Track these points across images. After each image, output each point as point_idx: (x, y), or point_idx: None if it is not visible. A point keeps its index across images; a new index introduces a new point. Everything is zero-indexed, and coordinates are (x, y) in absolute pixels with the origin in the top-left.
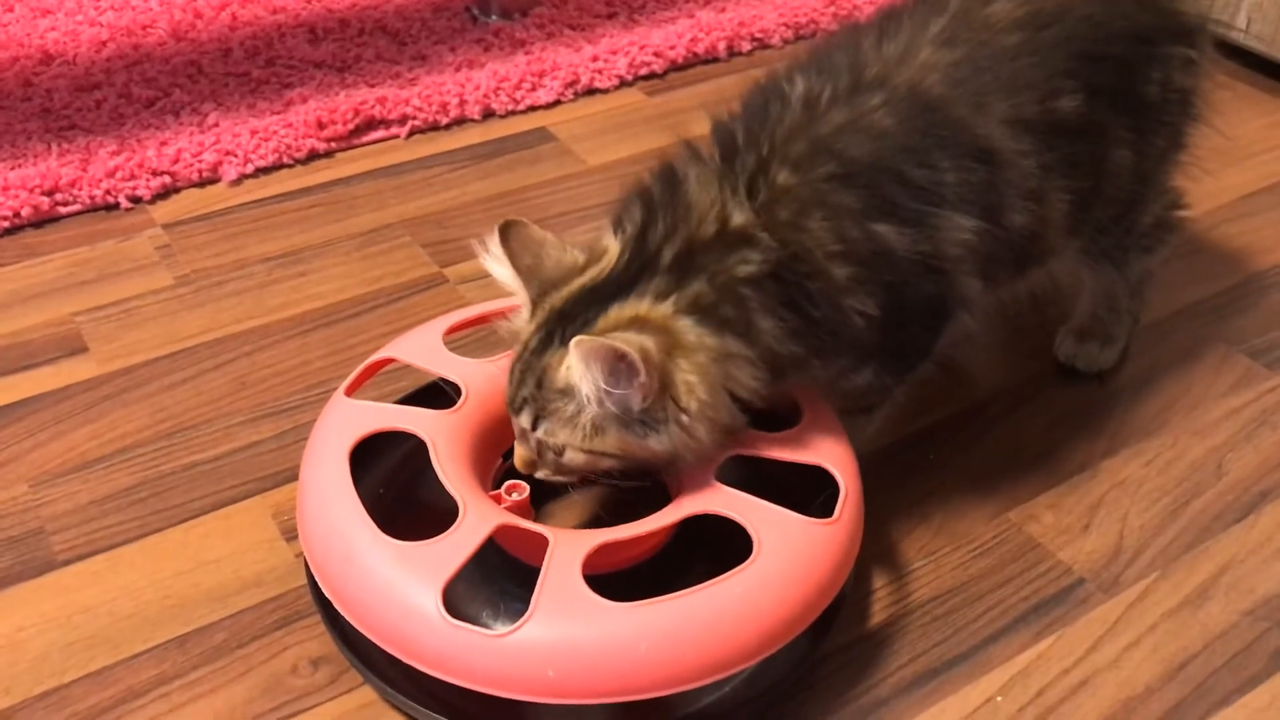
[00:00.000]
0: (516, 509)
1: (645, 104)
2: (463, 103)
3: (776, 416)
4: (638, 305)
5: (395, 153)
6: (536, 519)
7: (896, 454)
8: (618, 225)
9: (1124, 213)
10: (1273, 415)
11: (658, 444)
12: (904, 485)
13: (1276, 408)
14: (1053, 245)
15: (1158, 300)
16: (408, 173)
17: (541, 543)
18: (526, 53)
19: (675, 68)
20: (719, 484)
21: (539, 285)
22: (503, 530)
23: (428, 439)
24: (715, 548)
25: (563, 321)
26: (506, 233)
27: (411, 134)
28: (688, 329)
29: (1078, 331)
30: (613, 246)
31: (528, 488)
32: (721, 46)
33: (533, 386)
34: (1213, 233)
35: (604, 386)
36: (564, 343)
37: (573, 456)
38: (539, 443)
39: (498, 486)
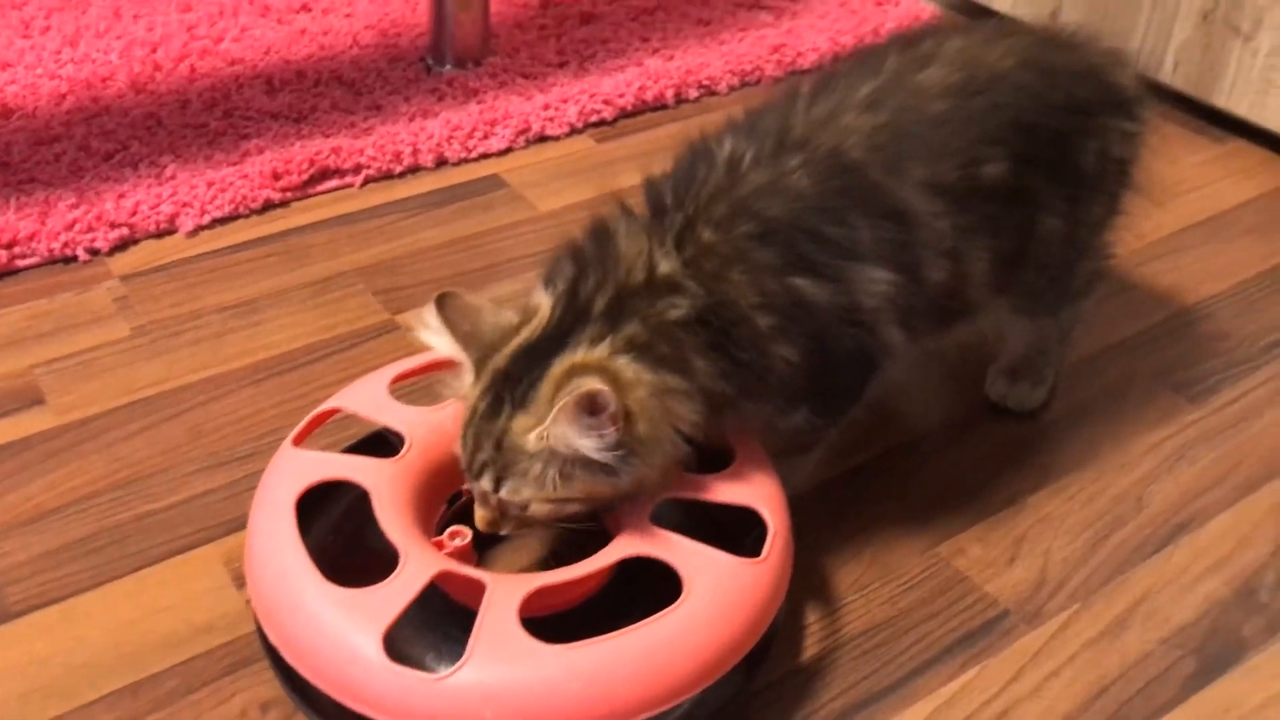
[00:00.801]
0: (458, 555)
1: (595, 150)
2: (416, 151)
3: (711, 459)
4: (573, 355)
5: (350, 201)
6: (479, 563)
7: (831, 491)
8: (548, 281)
9: (1058, 277)
10: (1192, 449)
11: (621, 481)
12: (838, 522)
13: (1196, 441)
14: (977, 301)
15: (1089, 337)
16: (362, 221)
17: (480, 588)
18: (480, 101)
19: (625, 115)
20: (653, 526)
21: (479, 349)
22: (443, 576)
23: (370, 488)
24: (654, 588)
25: (508, 383)
26: (443, 304)
27: (366, 183)
28: (625, 367)
29: (1009, 372)
30: (544, 303)
31: (470, 533)
32: (669, 94)
33: (491, 450)
34: (1143, 269)
35: (594, 433)
36: (516, 405)
37: (537, 509)
38: (502, 502)
39: (441, 532)
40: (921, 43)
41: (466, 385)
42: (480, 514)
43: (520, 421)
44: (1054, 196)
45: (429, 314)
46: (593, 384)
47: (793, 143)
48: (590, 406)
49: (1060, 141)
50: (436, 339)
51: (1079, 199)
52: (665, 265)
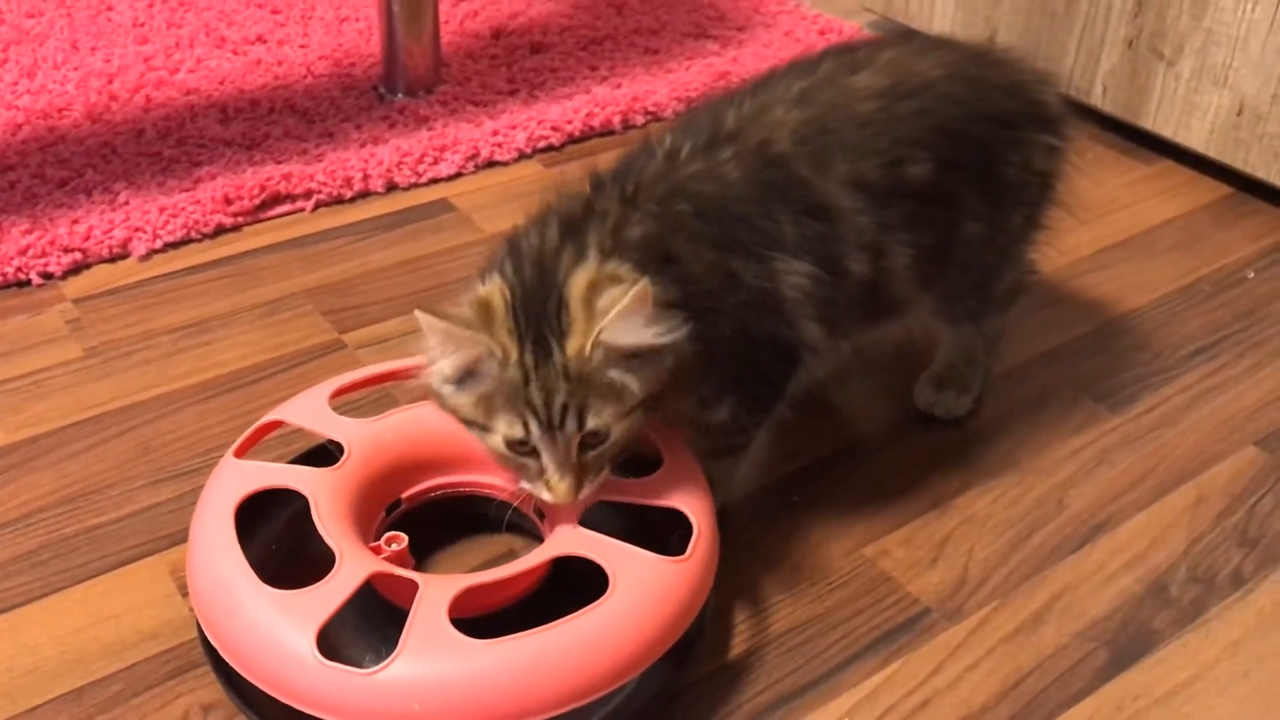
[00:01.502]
0: (395, 558)
1: (543, 175)
2: (366, 176)
3: (641, 465)
4: (574, 276)
5: (301, 225)
6: (418, 568)
7: (763, 497)
8: (484, 274)
9: (981, 281)
10: (1112, 454)
11: (665, 368)
12: (768, 526)
13: (1116, 446)
14: (901, 296)
15: (1015, 348)
16: (312, 244)
17: (413, 588)
18: (430, 128)
19: (572, 140)
20: (582, 529)
21: (488, 331)
22: (378, 577)
23: (309, 495)
24: (586, 589)
25: (535, 327)
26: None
27: (317, 207)
28: (620, 268)
29: (936, 380)
30: (493, 280)
31: (405, 538)
32: (616, 120)
33: (565, 387)
34: (1070, 284)
35: (648, 325)
36: (559, 336)
37: (617, 434)
38: (585, 449)
39: (379, 538)
40: (856, 51)
41: (494, 373)
42: (562, 484)
43: (573, 345)
44: (976, 201)
45: (429, 325)
46: (638, 282)
47: (725, 135)
48: (645, 300)
49: (984, 150)
50: (451, 340)
51: (1000, 206)
52: (613, 216)
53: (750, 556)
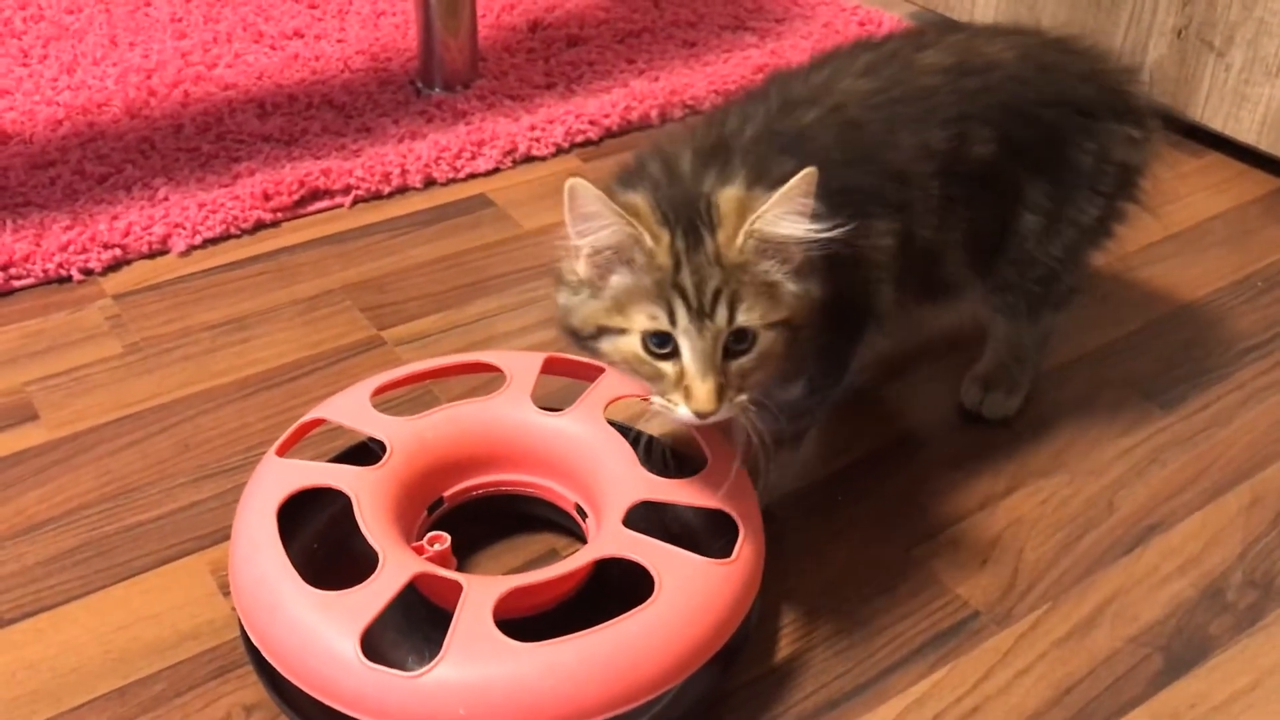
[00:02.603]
0: (437, 559)
1: (581, 170)
2: (404, 172)
3: (684, 465)
4: (722, 195)
5: (339, 221)
6: (460, 568)
7: (808, 497)
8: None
9: (1043, 278)
10: (1163, 453)
11: (813, 287)
12: (814, 526)
13: (1167, 446)
14: (955, 276)
15: (1063, 345)
16: (351, 240)
17: (457, 589)
18: (467, 123)
19: (610, 135)
20: (626, 530)
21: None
22: (421, 578)
23: (352, 494)
24: (629, 591)
25: (681, 218)
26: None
27: (355, 203)
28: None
29: (984, 379)
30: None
31: (448, 538)
32: (654, 113)
33: (718, 274)
34: (1117, 280)
35: (804, 217)
36: (711, 228)
37: (763, 344)
38: (736, 339)
39: (422, 538)
40: (924, 34)
41: (641, 260)
42: (704, 388)
43: (726, 233)
44: (1037, 193)
45: (580, 195)
46: (807, 170)
47: (796, 100)
48: (810, 185)
49: (1053, 136)
50: (597, 221)
51: (1069, 198)
52: (739, 145)
53: (796, 557)
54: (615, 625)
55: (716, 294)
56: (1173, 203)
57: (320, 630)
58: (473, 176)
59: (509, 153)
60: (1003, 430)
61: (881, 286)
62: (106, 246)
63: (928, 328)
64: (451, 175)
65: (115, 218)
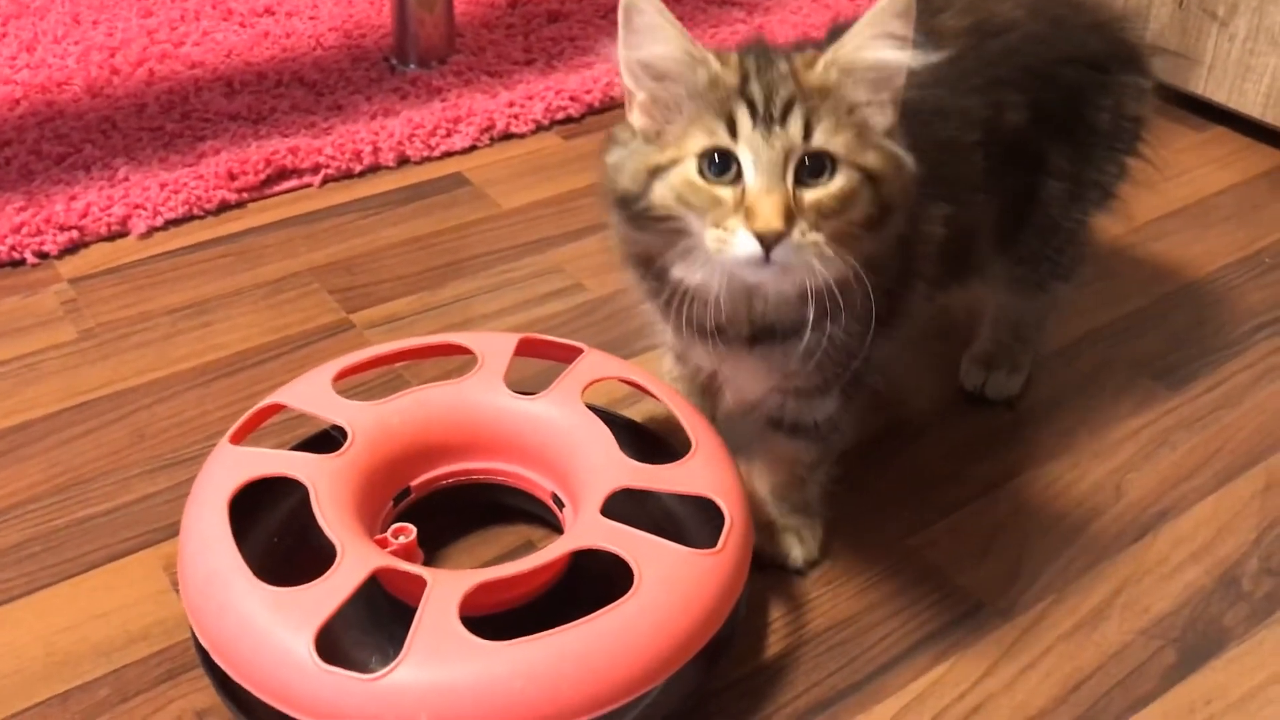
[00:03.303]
0: (402, 552)
1: (561, 147)
2: (377, 150)
3: (667, 451)
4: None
5: (308, 201)
6: (429, 562)
7: None
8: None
9: (1064, 244)
10: (1172, 435)
11: (906, 158)
12: None
13: (1176, 428)
14: (983, 255)
15: (1066, 324)
16: (319, 220)
17: (421, 584)
18: (443, 100)
19: (592, 111)
20: (603, 519)
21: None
22: (383, 573)
23: (309, 484)
24: (608, 585)
25: (753, 53)
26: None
27: (325, 182)
28: None
29: (984, 359)
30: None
31: (414, 530)
32: None
33: (792, 86)
34: (1121, 257)
35: (904, 41)
36: (787, 58)
37: (844, 183)
38: (810, 163)
39: (386, 530)
40: None
41: (701, 80)
42: (768, 202)
43: (803, 58)
44: (1060, 158)
45: (641, 7)
46: None
47: None
48: (903, 8)
49: (1074, 96)
50: (655, 35)
51: (1089, 159)
52: None
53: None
54: (591, 621)
55: (789, 104)
56: (1177, 177)
57: (271, 629)
58: (448, 155)
59: (486, 130)
60: (1005, 412)
61: (918, 283)
62: (63, 229)
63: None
64: (426, 153)
65: (73, 199)
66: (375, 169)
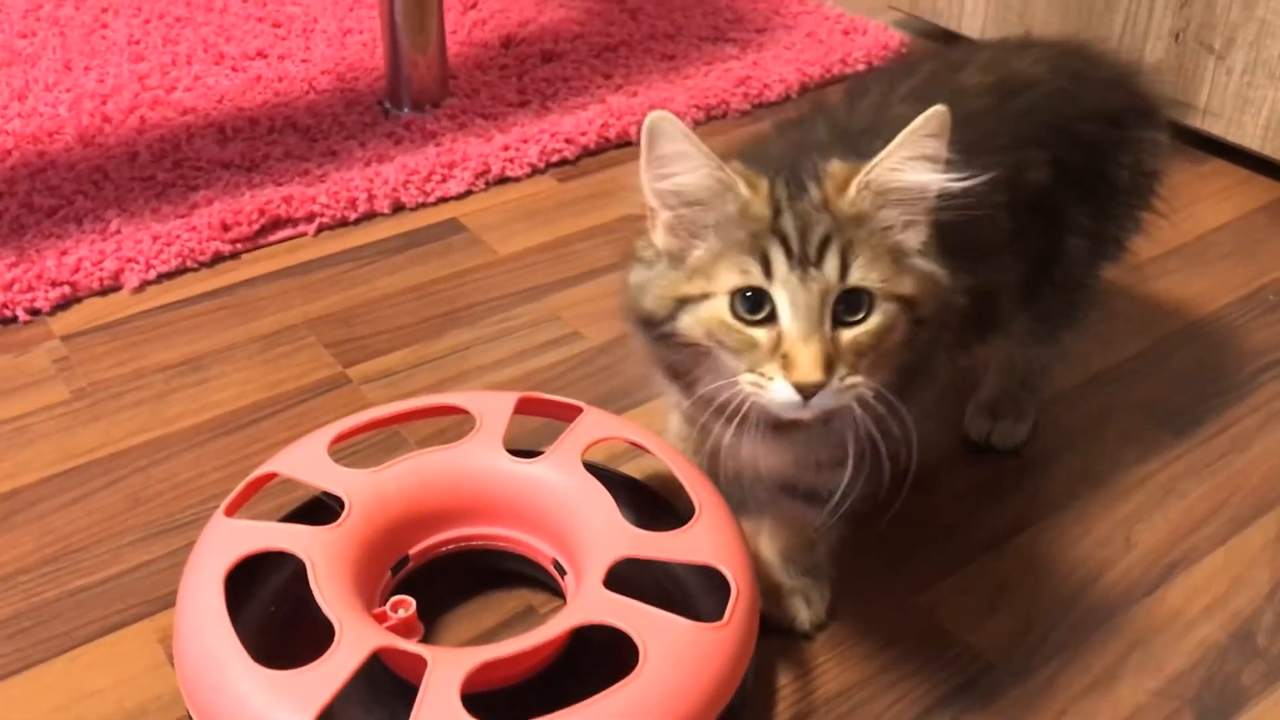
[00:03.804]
0: (401, 627)
1: (558, 190)
2: (371, 197)
3: (669, 515)
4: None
5: (302, 251)
6: (426, 635)
7: None
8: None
9: (1076, 301)
10: (1180, 483)
11: (938, 273)
12: None
13: (1184, 475)
14: (1006, 314)
15: (1067, 369)
16: (314, 271)
17: (421, 664)
18: (437, 144)
19: (587, 153)
20: (606, 591)
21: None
22: (383, 652)
23: (305, 558)
24: (612, 654)
25: (785, 174)
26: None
27: (319, 231)
28: None
29: (990, 408)
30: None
31: (413, 603)
32: (634, 130)
33: (827, 221)
34: (1121, 297)
35: (938, 161)
36: (816, 180)
37: (882, 318)
38: (848, 300)
39: (385, 603)
40: (951, 53)
41: (732, 210)
42: (809, 353)
43: (835, 182)
44: (1080, 214)
45: (666, 132)
46: (937, 108)
47: (856, 133)
48: (943, 126)
49: (1095, 153)
50: (684, 152)
51: (1110, 216)
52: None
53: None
54: (597, 703)
55: (825, 241)
56: (1176, 212)
57: (270, 714)
58: (443, 200)
59: (481, 174)
60: (1010, 461)
61: (940, 353)
62: (54, 284)
63: None
64: (421, 199)
65: (64, 253)
66: (370, 216)
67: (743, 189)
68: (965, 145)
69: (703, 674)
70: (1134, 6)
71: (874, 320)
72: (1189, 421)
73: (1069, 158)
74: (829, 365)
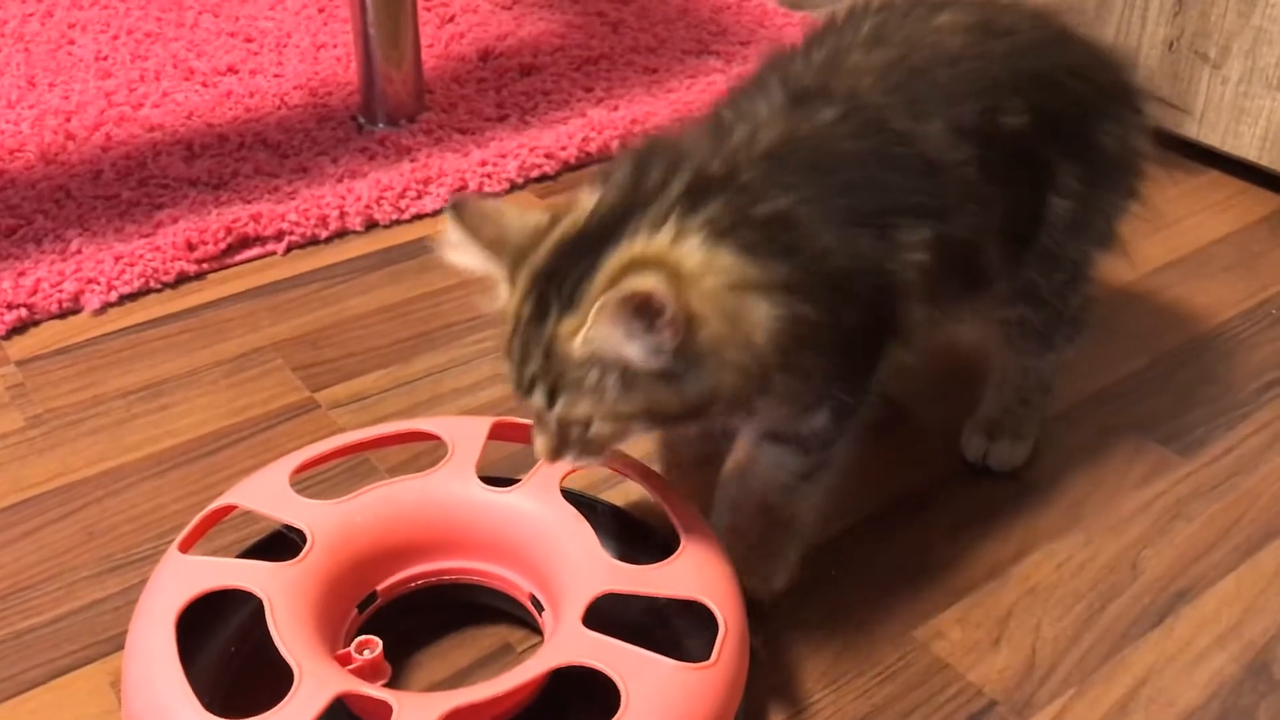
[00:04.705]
0: (367, 669)
1: (537, 206)
2: (343, 214)
3: (654, 547)
4: (632, 245)
5: (272, 270)
6: (395, 676)
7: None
8: (604, 179)
9: (1068, 282)
10: (1187, 506)
11: (690, 389)
12: (803, 605)
13: (1190, 498)
14: (989, 266)
15: (1066, 388)
16: (283, 291)
17: (387, 711)
18: (412, 160)
19: (568, 168)
20: (587, 631)
21: (511, 255)
22: (347, 697)
23: (264, 597)
24: (591, 693)
25: (553, 282)
26: (459, 212)
27: (289, 249)
28: (693, 253)
29: (986, 427)
30: (588, 199)
31: (379, 644)
32: (615, 145)
33: (540, 360)
34: (1119, 312)
35: (639, 339)
36: (564, 306)
37: (600, 428)
38: (560, 422)
39: (351, 643)
40: None
41: (503, 298)
42: (539, 441)
43: (569, 324)
44: (1069, 176)
45: (447, 229)
46: (643, 282)
47: (805, 92)
48: (639, 310)
49: (1079, 110)
50: (460, 255)
51: (1097, 184)
52: (747, 172)
53: (785, 643)
54: None
55: (534, 379)
56: (1175, 224)
57: None
58: (418, 217)
59: (458, 190)
60: (1010, 484)
61: (910, 305)
62: (10, 307)
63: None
64: (395, 216)
65: (21, 274)
66: (342, 234)
67: (503, 290)
68: (938, 92)
69: (689, 717)
70: (1127, 13)
71: (595, 429)
72: (1194, 441)
73: (1052, 110)
74: (556, 452)
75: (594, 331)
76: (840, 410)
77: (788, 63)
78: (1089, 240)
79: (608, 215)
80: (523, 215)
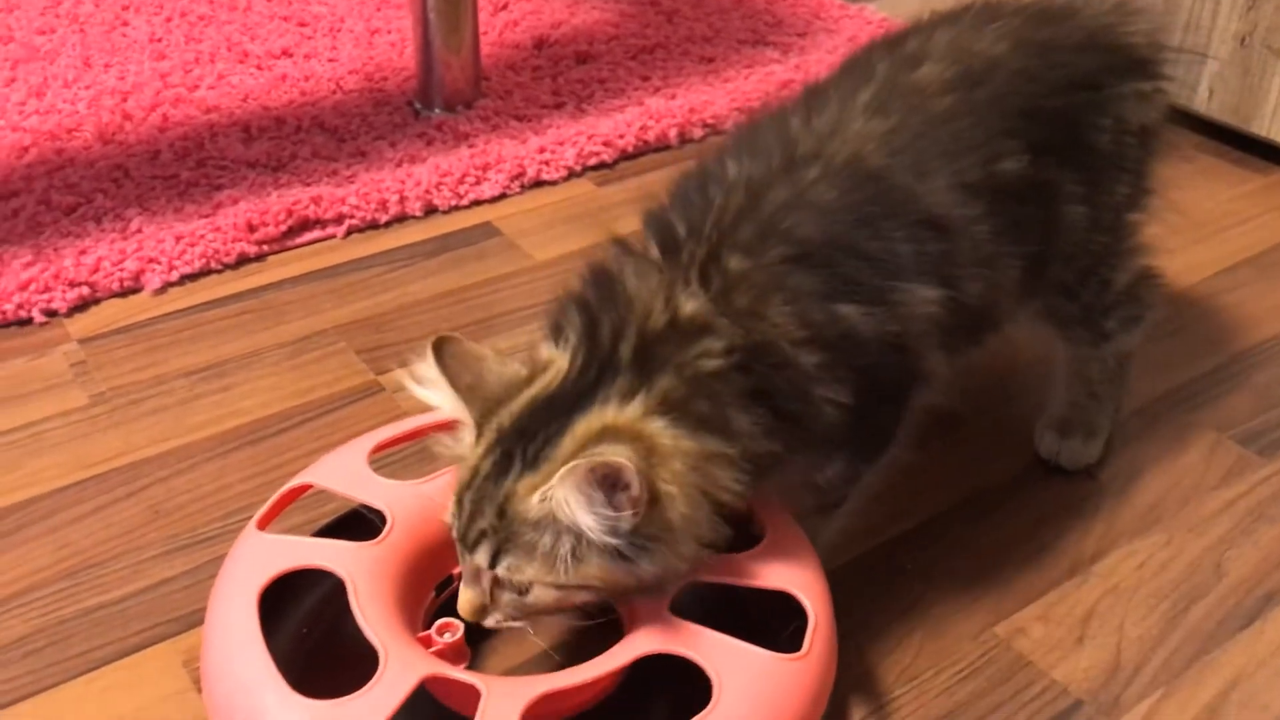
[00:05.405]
0: (449, 652)
1: (595, 195)
2: (403, 199)
3: (738, 535)
4: (603, 413)
5: (331, 254)
6: (473, 659)
7: (869, 565)
8: (557, 332)
9: (1092, 268)
10: (1270, 507)
11: (644, 568)
12: (879, 601)
13: (1273, 499)
14: (1007, 312)
15: (1140, 385)
16: (344, 274)
17: (475, 695)
18: (470, 146)
19: (625, 157)
20: (673, 618)
21: (483, 405)
22: (430, 681)
23: (346, 577)
24: (675, 687)
25: (521, 440)
26: (441, 351)
27: (349, 233)
28: (661, 432)
29: (1058, 424)
30: (557, 355)
31: (461, 626)
32: (673, 134)
33: (492, 517)
34: (1190, 310)
35: (598, 511)
36: (526, 465)
37: (540, 595)
38: (497, 581)
39: (430, 625)
40: (906, 43)
41: (467, 445)
42: (466, 596)
43: (527, 482)
44: (1071, 183)
45: (424, 364)
46: (615, 455)
47: (803, 157)
48: (606, 480)
49: (1069, 124)
50: (433, 392)
51: (1099, 181)
52: (690, 305)
53: (862, 639)
54: None
55: (481, 535)
56: (1242, 224)
57: None
58: (477, 203)
59: (516, 177)
60: (1086, 482)
61: (928, 353)
62: (72, 284)
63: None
64: (454, 202)
65: (83, 252)
66: (401, 219)
67: (467, 437)
68: (937, 153)
69: (783, 710)
70: (1197, 8)
71: (532, 597)
72: (1274, 442)
73: (1044, 137)
74: (481, 612)
75: (555, 493)
76: (858, 458)
77: (785, 125)
78: (1110, 227)
79: (579, 379)
80: (502, 365)
